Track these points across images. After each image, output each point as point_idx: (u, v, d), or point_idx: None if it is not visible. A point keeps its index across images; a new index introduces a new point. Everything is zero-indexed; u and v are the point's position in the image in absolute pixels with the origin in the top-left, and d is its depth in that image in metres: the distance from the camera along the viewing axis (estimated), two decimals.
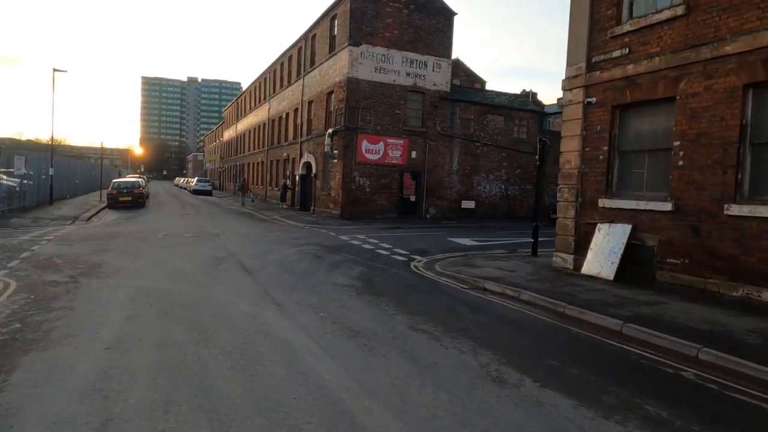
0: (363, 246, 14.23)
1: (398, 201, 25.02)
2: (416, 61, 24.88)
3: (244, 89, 53.71)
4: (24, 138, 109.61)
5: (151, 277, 8.80)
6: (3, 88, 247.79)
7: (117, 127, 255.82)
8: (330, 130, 24.14)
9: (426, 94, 25.23)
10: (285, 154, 33.92)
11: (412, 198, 25.40)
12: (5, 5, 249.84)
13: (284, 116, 34.85)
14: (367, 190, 24.34)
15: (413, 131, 25.04)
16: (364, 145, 24.08)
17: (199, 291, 7.86)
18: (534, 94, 34.08)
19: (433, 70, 25.34)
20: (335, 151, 24.33)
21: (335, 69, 25.09)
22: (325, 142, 24.38)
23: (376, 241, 15.45)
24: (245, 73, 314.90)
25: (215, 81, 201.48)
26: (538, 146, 12.78)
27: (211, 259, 10.85)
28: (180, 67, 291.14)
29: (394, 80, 24.44)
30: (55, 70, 25.31)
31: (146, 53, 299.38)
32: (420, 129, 25.21)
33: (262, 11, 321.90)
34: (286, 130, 34.51)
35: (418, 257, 12.66)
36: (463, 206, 26.44)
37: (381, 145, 24.41)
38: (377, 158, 24.40)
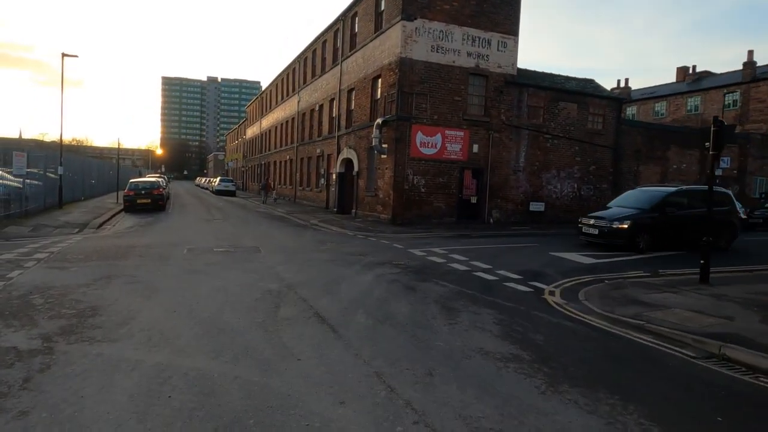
0: (452, 266, 10.63)
1: (457, 203, 21.35)
2: (479, 38, 21.17)
3: (264, 87, 50.58)
4: (48, 139, 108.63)
5: (175, 340, 5.31)
6: (28, 91, 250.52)
7: (138, 128, 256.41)
8: (379, 120, 20.57)
9: (489, 78, 21.49)
10: (318, 151, 30.49)
11: (474, 199, 21.70)
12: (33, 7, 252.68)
13: (317, 108, 31.42)
14: (422, 190, 20.72)
15: (475, 121, 21.34)
16: (419, 137, 20.46)
17: (264, 382, 4.31)
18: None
19: (498, 50, 21.59)
20: (384, 145, 20.76)
21: (383, 50, 21.52)
22: (373, 135, 20.83)
23: (460, 257, 11.85)
24: (265, 72, 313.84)
25: (235, 80, 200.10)
26: (714, 129, 8.97)
27: (263, 297, 7.33)
28: (200, 66, 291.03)
29: (454, 61, 20.76)
30: (64, 54, 22.24)
31: (166, 53, 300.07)
32: (482, 119, 21.50)
33: (283, 10, 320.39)
34: (320, 124, 31.07)
35: (540, 284, 9.06)
36: (531, 209, 22.64)
37: (438, 137, 20.77)
38: (434, 153, 20.76)
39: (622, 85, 40.01)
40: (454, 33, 20.64)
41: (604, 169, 24.05)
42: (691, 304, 7.55)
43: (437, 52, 20.45)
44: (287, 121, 39.52)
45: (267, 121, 48.28)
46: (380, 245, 13.82)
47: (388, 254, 12.10)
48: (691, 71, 39.78)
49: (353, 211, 24.10)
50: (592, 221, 14.40)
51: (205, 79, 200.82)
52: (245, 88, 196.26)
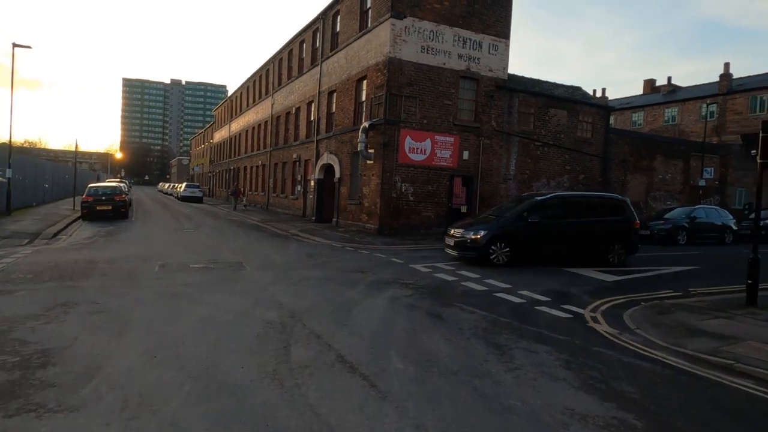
0: (468, 286, 9.42)
1: (447, 212, 20.24)
2: (470, 40, 20.23)
3: (231, 92, 48.56)
4: None
5: (162, 406, 3.87)
6: None
7: (96, 131, 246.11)
8: (365, 124, 19.30)
9: (480, 82, 20.57)
10: (295, 156, 28.93)
11: (463, 209, 20.64)
12: None
13: (293, 111, 29.89)
14: (411, 198, 19.53)
15: (465, 127, 20.35)
16: (408, 142, 19.29)
17: None
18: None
19: (489, 53, 20.71)
20: (371, 151, 19.50)
21: (370, 49, 20.30)
22: (359, 139, 19.52)
23: (470, 273, 10.67)
24: (232, 76, 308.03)
25: (200, 84, 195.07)
26: (762, 135, 8.09)
27: (266, 332, 5.90)
28: (163, 69, 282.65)
29: (444, 63, 19.74)
30: (15, 45, 20.03)
31: (127, 54, 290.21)
32: (473, 124, 20.53)
33: (251, 13, 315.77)
34: (297, 128, 29.54)
35: (574, 308, 8.03)
36: None
37: (428, 142, 19.66)
38: (423, 159, 19.63)
39: (599, 95, 40.08)
40: (444, 33, 19.63)
41: (593, 178, 23.48)
42: (765, 336, 6.56)
43: (427, 53, 19.38)
44: (260, 125, 37.75)
45: (237, 125, 46.26)
46: (375, 260, 12.50)
47: (389, 271, 10.80)
48: (659, 82, 40.27)
49: (334, 220, 22.69)
50: (452, 231, 12.78)
51: (168, 81, 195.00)
52: (211, 92, 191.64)
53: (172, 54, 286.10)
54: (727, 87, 31.33)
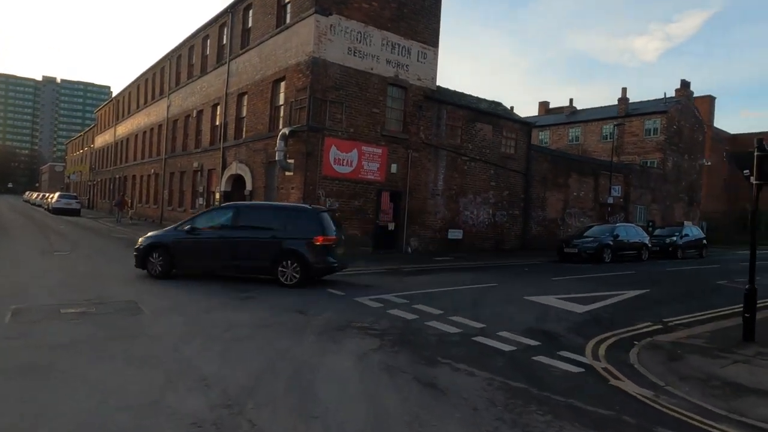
0: (438, 328, 7.70)
1: (374, 230, 18.54)
2: (399, 45, 18.89)
3: (116, 93, 43.18)
4: None
5: None
6: None
7: None
8: (285, 131, 17.04)
9: (409, 90, 19.28)
10: (196, 165, 25.59)
11: (391, 226, 19.08)
12: None
13: (194, 115, 26.57)
14: (336, 215, 17.50)
15: (393, 138, 18.89)
16: (333, 152, 17.36)
17: None
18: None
19: (418, 60, 19.53)
20: (290, 160, 17.27)
21: (289, 48, 18.13)
22: (276, 147, 17.21)
23: (428, 308, 8.99)
24: (118, 76, 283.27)
25: (79, 83, 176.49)
26: (758, 154, 7.37)
27: None
28: (34, 64, 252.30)
29: (372, 68, 18.17)
30: None
31: None
32: (401, 135, 19.14)
33: (144, 6, 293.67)
34: (199, 133, 26.24)
35: (573, 355, 6.68)
36: (449, 236, 20.71)
37: (354, 153, 17.87)
38: (349, 172, 17.79)
39: None
40: (372, 36, 18.08)
41: (516, 194, 23.19)
42: None
43: (354, 55, 17.68)
44: (153, 129, 33.48)
45: (125, 128, 41.00)
46: (310, 291, 10.34)
47: (333, 308, 8.75)
48: (553, 105, 42.45)
49: None
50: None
51: (39, 78, 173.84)
52: (92, 92, 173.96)
53: (45, 48, 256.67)
54: (625, 110, 33.39)
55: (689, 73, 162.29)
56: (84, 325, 6.85)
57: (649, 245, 21.02)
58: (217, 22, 24.29)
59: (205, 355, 5.73)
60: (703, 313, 10.09)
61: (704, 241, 24.38)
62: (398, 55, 18.88)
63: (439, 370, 5.65)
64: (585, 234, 20.61)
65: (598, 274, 15.19)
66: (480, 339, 7.18)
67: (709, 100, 50.68)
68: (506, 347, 6.83)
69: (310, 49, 16.81)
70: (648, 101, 35.19)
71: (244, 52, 21.48)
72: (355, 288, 10.93)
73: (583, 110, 40.10)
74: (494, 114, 22.49)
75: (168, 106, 30.43)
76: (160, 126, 31.93)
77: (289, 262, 10.42)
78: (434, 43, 19.97)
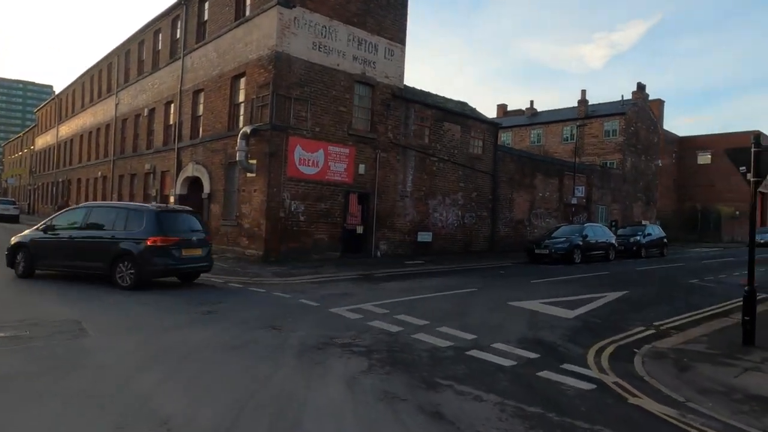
0: (427, 341, 7.01)
1: (341, 234, 17.71)
2: (365, 42, 18.17)
3: (59, 91, 40.42)
4: None
5: None
6: None
7: None
8: (246, 129, 15.98)
9: (376, 89, 18.58)
10: (148, 167, 23.97)
11: (359, 229, 18.29)
12: None
13: (146, 113, 24.93)
14: (301, 218, 16.62)
15: (361, 137, 18.13)
16: (298, 152, 16.43)
17: None
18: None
19: (386, 57, 18.86)
20: (253, 161, 16.23)
21: (250, 42, 17.08)
22: (237, 147, 16.12)
23: (411, 318, 8.32)
24: (61, 76, 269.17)
25: (17, 81, 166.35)
26: (755, 150, 7.07)
27: None
28: None
29: (338, 64, 17.36)
30: None
31: None
32: (369, 135, 18.41)
33: (86, 5, 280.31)
34: (150, 133, 24.63)
35: (575, 367, 6.18)
36: (418, 239, 20.12)
37: (320, 154, 17.00)
38: (315, 173, 16.89)
39: None
40: (338, 31, 17.28)
41: (484, 195, 22.89)
42: None
43: (320, 50, 16.82)
44: (100, 129, 31.38)
45: (68, 128, 38.39)
46: (280, 302, 9.46)
47: (309, 322, 7.91)
48: (511, 107, 42.89)
49: None
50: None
51: None
52: (32, 92, 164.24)
53: None
54: (585, 112, 33.90)
55: (632, 79, 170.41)
56: (15, 352, 5.74)
57: (616, 245, 21.13)
58: (170, 15, 22.84)
59: (166, 389, 4.80)
60: (689, 314, 9.86)
61: (665, 240, 24.85)
62: (365, 51, 18.15)
63: (442, 396, 4.93)
64: (554, 235, 20.49)
65: (574, 276, 14.93)
66: (475, 353, 6.52)
67: (659, 104, 52.53)
68: (506, 362, 6.21)
69: (273, 43, 15.84)
70: (606, 103, 35.94)
71: (199, 47, 20.20)
72: (330, 297, 10.10)
73: (543, 112, 40.61)
74: (462, 114, 22.11)
75: (116, 105, 28.52)
76: (107, 126, 29.92)
77: (125, 263, 10.11)
78: (401, 40, 19.37)
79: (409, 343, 6.91)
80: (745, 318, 7.27)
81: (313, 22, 16.60)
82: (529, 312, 9.36)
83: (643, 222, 32.49)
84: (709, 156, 51.69)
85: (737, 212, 47.60)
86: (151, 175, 23.71)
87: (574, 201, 27.27)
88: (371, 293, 10.79)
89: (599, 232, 20.79)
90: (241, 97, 17.66)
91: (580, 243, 19.21)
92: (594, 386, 5.50)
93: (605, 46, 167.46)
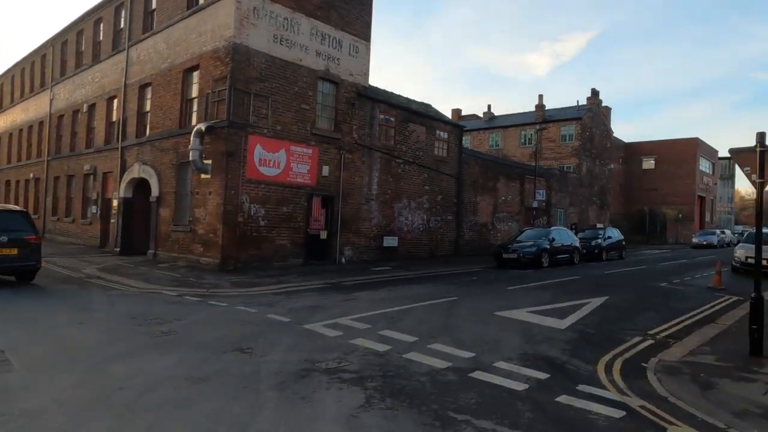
0: (422, 361, 6.21)
1: (304, 239, 16.65)
2: (329, 37, 17.24)
3: None
4: None
5: None
6: None
7: None
8: (201, 127, 14.69)
9: (341, 86, 17.67)
10: (88, 167, 21.96)
11: (323, 234, 17.30)
12: None
13: (85, 109, 22.88)
14: (262, 223, 15.45)
15: (324, 137, 17.17)
16: (258, 152, 15.28)
17: None
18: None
19: (350, 54, 18.00)
20: (208, 161, 14.95)
21: (204, 32, 15.78)
22: (190, 146, 14.79)
23: (397, 334, 7.52)
24: None
25: None
26: (759, 150, 6.73)
27: None
28: None
29: (301, 59, 16.35)
30: None
31: None
32: (333, 135, 17.47)
33: None
34: (90, 131, 22.61)
35: (594, 389, 5.50)
36: (384, 244, 19.32)
37: (282, 154, 15.91)
38: (276, 174, 15.78)
39: None
40: (301, 24, 16.28)
41: (449, 199, 22.40)
42: None
43: (281, 44, 15.76)
44: (32, 126, 28.72)
45: None
46: (245, 318, 8.39)
47: (283, 341, 6.92)
48: (465, 113, 43.14)
49: (151, 252, 17.14)
50: None
51: None
52: None
53: None
54: (542, 117, 34.28)
55: (575, 88, 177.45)
56: None
57: (580, 248, 21.14)
58: (113, 2, 21.01)
59: None
60: (676, 321, 9.54)
61: (623, 243, 25.24)
62: (329, 47, 17.22)
63: None
64: (519, 239, 20.23)
65: (548, 281, 14.55)
66: (479, 375, 5.77)
67: (607, 111, 54.41)
68: (517, 385, 5.48)
69: (230, 34, 14.64)
70: (562, 108, 36.56)
71: (147, 38, 18.60)
72: (300, 311, 9.11)
73: (501, 116, 40.91)
74: (427, 115, 21.54)
75: (51, 100, 26.11)
76: (41, 123, 27.38)
77: None
78: (366, 36, 18.57)
79: (402, 365, 6.07)
80: (753, 327, 6.89)
81: (274, 13, 15.52)
82: (519, 323, 8.73)
83: (598, 225, 33.15)
84: (653, 161, 54.01)
85: (680, 215, 49.87)
86: (92, 176, 21.73)
87: (535, 204, 27.33)
88: (345, 305, 9.87)
89: (564, 236, 20.71)
90: (195, 92, 16.31)
91: (548, 247, 19.01)
92: (623, 413, 4.86)
93: (550, 55, 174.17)
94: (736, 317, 9.98)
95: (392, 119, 19.70)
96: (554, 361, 6.55)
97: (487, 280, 14.65)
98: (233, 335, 7.16)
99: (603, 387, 5.63)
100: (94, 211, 21.35)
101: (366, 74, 18.58)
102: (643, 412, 4.94)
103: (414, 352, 6.61)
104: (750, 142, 7.06)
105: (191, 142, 14.76)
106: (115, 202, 19.61)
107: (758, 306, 6.85)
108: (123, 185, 19.06)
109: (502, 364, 6.23)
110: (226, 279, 12.79)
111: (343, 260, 17.78)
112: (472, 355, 6.60)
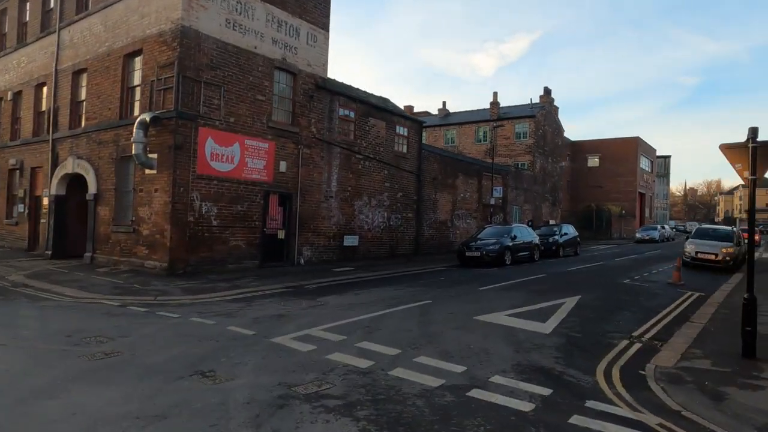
0: (413, 380, 5.55)
1: (261, 239, 15.60)
2: (286, 24, 16.22)
3: None
4: None
5: None
6: None
7: None
8: (145, 117, 13.35)
9: (298, 77, 16.69)
10: (13, 162, 19.80)
11: (281, 234, 16.30)
12: None
13: (8, 97, 20.62)
14: (214, 223, 14.29)
15: (281, 131, 16.16)
16: (210, 146, 14.10)
17: None
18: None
19: (308, 43, 17.04)
20: (153, 155, 13.63)
21: (147, 13, 14.38)
22: (134, 138, 13.42)
23: (376, 346, 6.86)
24: None
25: None
26: (752, 146, 6.50)
27: None
28: None
29: (256, 47, 15.25)
30: None
31: None
32: (291, 128, 16.48)
33: None
34: (15, 122, 20.41)
35: (600, 405, 5.11)
36: (345, 243, 18.52)
37: (236, 147, 14.79)
38: (230, 170, 14.65)
39: None
40: (255, 9, 15.19)
41: (409, 196, 21.87)
42: None
43: (234, 29, 14.62)
44: None
45: None
46: (204, 332, 7.43)
47: (250, 360, 6.06)
48: (417, 110, 42.98)
49: (88, 255, 15.55)
50: None
51: None
52: None
53: None
54: (497, 114, 34.44)
55: (521, 88, 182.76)
56: None
57: (540, 245, 21.17)
58: None
59: None
60: (653, 321, 9.43)
61: (578, 239, 25.62)
62: (285, 35, 16.19)
63: None
64: (480, 236, 19.99)
65: (516, 280, 14.26)
66: (478, 394, 5.16)
67: (555, 110, 55.84)
68: (522, 405, 4.91)
69: (178, 16, 13.37)
70: (517, 106, 36.93)
71: (81, 18, 16.86)
72: (265, 321, 8.22)
73: (456, 113, 40.90)
74: (387, 110, 20.87)
75: None
76: None
77: None
78: (325, 25, 17.65)
79: (391, 384, 5.37)
80: (747, 329, 6.67)
81: None
82: (502, 328, 8.23)
83: (551, 222, 33.73)
84: (597, 159, 55.93)
85: (623, 211, 51.91)
86: (17, 171, 19.62)
87: (492, 201, 27.31)
88: (313, 313, 9.06)
89: (525, 233, 20.65)
90: (137, 80, 14.87)
91: (510, 245, 18.84)
92: None
93: (495, 56, 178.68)
94: (707, 315, 9.94)
95: (352, 113, 18.91)
96: (551, 373, 6.05)
97: (455, 281, 14.18)
98: (191, 354, 6.21)
99: (611, 402, 5.17)
100: (21, 210, 19.28)
101: (325, 65, 17.67)
102: (663, 431, 4.50)
103: (400, 367, 5.93)
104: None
105: (134, 133, 13.39)
106: (45, 200, 17.72)
107: (751, 307, 6.64)
108: (55, 181, 17.24)
109: (498, 379, 5.66)
110: (175, 284, 11.63)
111: (302, 261, 16.84)
112: (464, 368, 6.00)
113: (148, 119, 13.28)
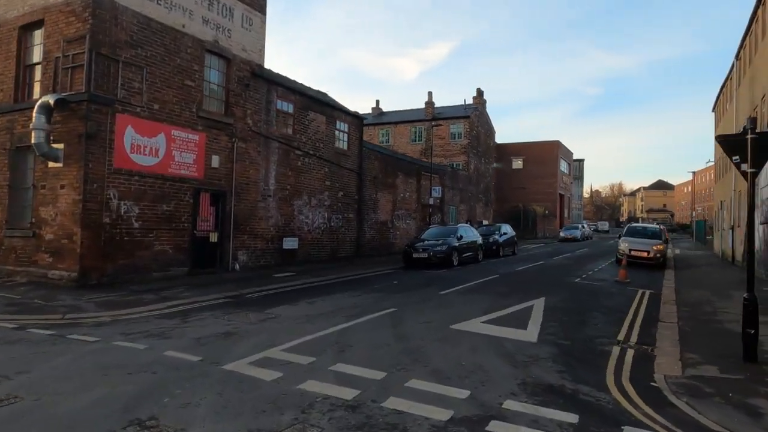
0: (402, 411, 4.49)
1: (190, 243, 13.82)
2: (218, 3, 14.57)
3: None
4: None
5: None
6: None
7: None
8: (49, 99, 11.22)
9: (233, 63, 15.08)
10: None
11: (213, 237, 14.58)
12: None
13: None
14: (136, 225, 12.37)
15: (214, 121, 14.48)
16: (130, 135, 12.19)
17: None
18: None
19: (243, 26, 15.47)
20: (58, 145, 11.54)
21: None
22: (33, 125, 11.27)
23: (348, 368, 5.73)
24: None
25: None
26: (751, 137, 6.13)
27: None
28: None
29: (184, 25, 13.50)
30: None
31: None
32: (223, 119, 14.83)
33: None
34: None
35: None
36: (284, 246, 17.07)
37: (161, 138, 12.95)
38: (154, 164, 12.80)
39: None
40: None
41: (350, 195, 20.77)
42: None
43: (159, 3, 12.83)
44: None
45: None
46: (133, 359, 5.91)
47: (202, 398, 4.71)
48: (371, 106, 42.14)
49: None
50: None
51: None
52: None
53: None
54: (432, 114, 34.21)
55: (442, 90, 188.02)
56: None
57: (483, 245, 20.90)
58: None
59: None
60: (627, 323, 9.16)
61: (515, 239, 25.80)
62: (218, 14, 14.54)
63: None
64: (424, 237, 19.37)
65: (473, 282, 13.66)
66: (498, 428, 4.23)
67: (486, 113, 57.14)
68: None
69: None
70: (451, 106, 36.96)
71: None
72: (210, 341, 6.80)
73: (390, 112, 40.29)
74: (327, 104, 19.65)
75: None
76: None
77: None
78: (261, 7, 16.14)
79: (392, 422, 4.29)
80: (748, 331, 6.30)
81: None
82: (485, 338, 7.41)
83: (484, 222, 34.02)
84: (521, 162, 57.87)
85: (546, 211, 54.03)
86: None
87: (431, 201, 26.88)
88: (266, 328, 7.74)
89: (470, 233, 20.28)
90: (37, 56, 12.59)
91: (457, 245, 18.32)
92: None
93: (417, 61, 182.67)
94: (673, 314, 9.83)
95: (291, 105, 17.51)
96: (563, 392, 5.26)
97: (410, 285, 13.28)
98: (121, 395, 4.74)
99: (647, 427, 4.46)
100: None
101: (261, 51, 16.16)
102: None
103: (393, 396, 4.86)
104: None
105: (34, 119, 11.23)
106: None
107: (752, 308, 6.27)
108: None
109: (513, 405, 4.77)
110: (89, 298, 9.74)
111: (238, 267, 15.21)
112: (467, 393, 5.05)
113: (51, 102, 11.17)
